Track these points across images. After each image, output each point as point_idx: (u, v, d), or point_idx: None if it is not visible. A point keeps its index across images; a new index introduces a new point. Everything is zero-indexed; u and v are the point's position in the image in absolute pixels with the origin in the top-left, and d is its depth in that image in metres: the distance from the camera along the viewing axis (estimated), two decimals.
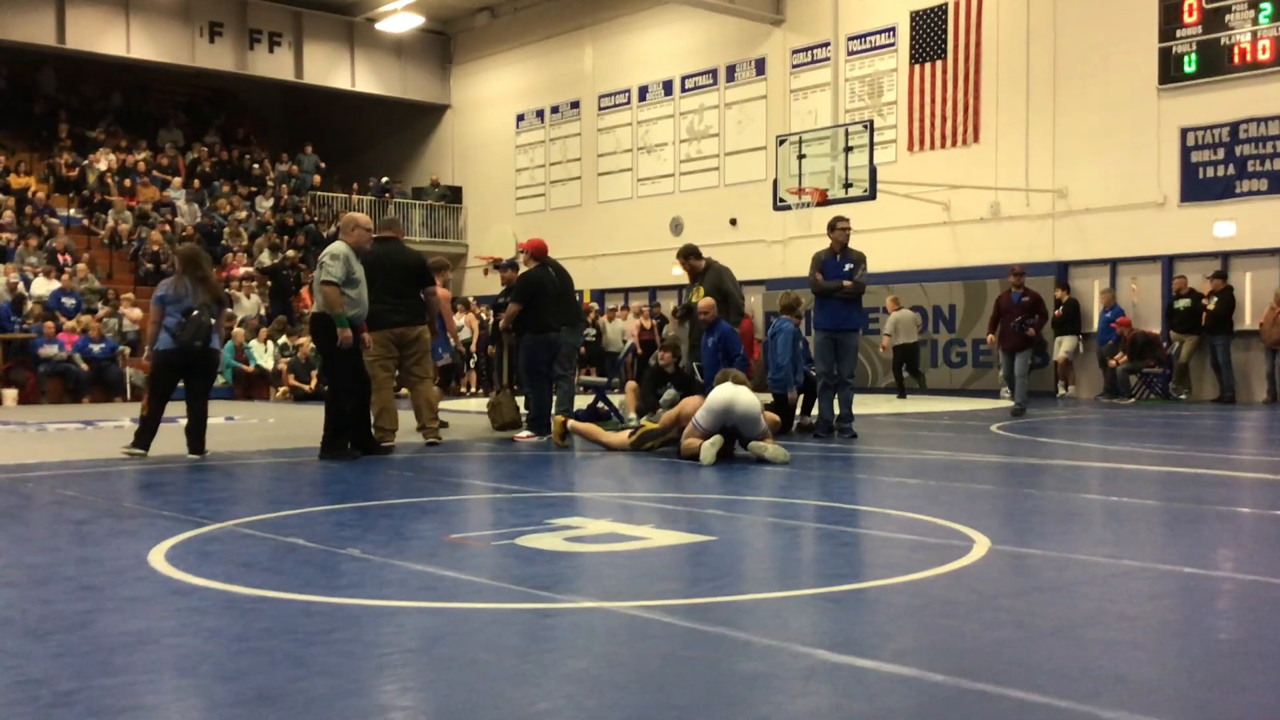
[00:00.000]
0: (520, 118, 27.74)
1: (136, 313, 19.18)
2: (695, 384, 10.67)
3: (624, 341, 21.73)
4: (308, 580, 4.22)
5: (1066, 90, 18.32)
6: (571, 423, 9.64)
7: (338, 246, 8.74)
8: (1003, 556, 4.61)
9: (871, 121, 17.94)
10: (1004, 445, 9.96)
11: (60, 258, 21.20)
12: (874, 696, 2.81)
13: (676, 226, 23.84)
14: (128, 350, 18.90)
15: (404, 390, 10.41)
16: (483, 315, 21.21)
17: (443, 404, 12.63)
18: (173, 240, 21.60)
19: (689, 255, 11.24)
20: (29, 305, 19.01)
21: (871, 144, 17.20)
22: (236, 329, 20.04)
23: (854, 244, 10.87)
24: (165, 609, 3.77)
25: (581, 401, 13.08)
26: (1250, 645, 3.33)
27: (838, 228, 10.82)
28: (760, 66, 22.72)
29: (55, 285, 19.93)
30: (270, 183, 27.48)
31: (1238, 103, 16.54)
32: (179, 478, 7.66)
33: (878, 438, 10.48)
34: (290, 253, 23.54)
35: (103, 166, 24.97)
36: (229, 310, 21.22)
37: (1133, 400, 16.67)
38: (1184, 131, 17.07)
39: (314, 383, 18.50)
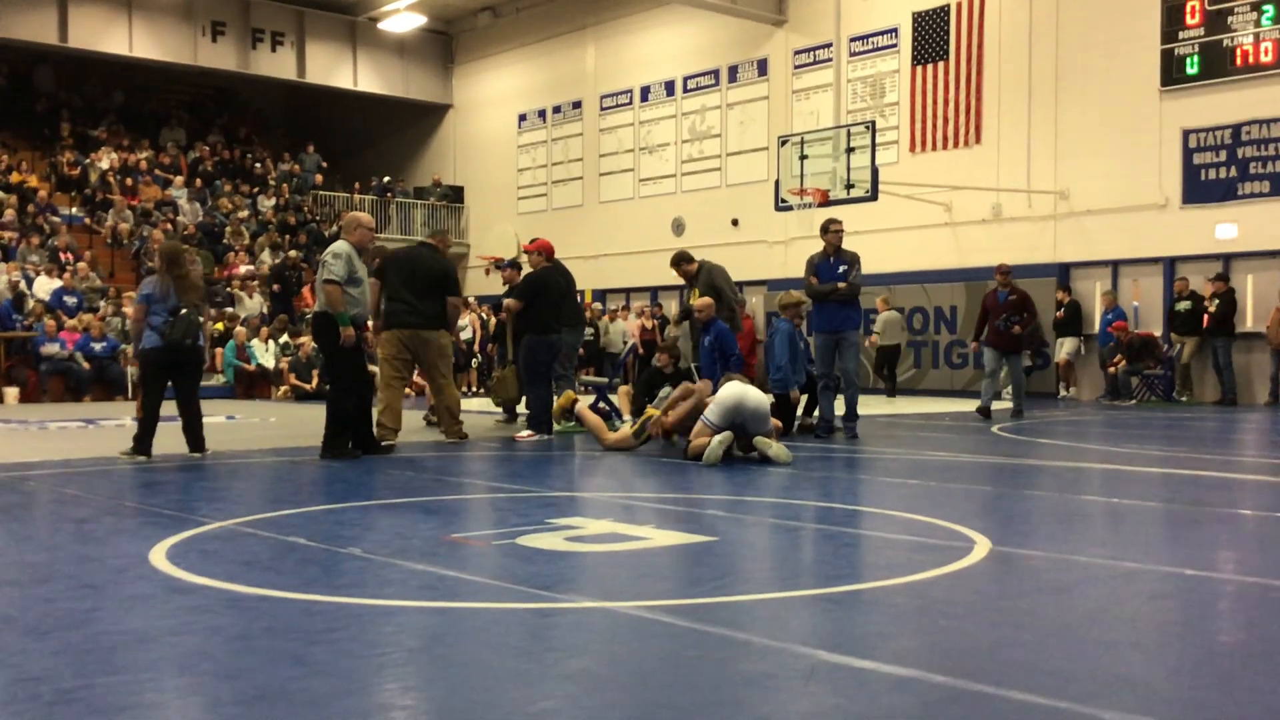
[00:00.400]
0: (522, 117, 27.75)
1: None
2: None
3: (624, 342, 21.72)
4: (309, 579, 4.22)
5: (1068, 92, 18.32)
6: (580, 406, 9.64)
7: (340, 245, 8.75)
8: (1003, 558, 4.61)
9: (873, 122, 17.94)
10: (1004, 446, 9.96)
11: (62, 256, 21.22)
12: (874, 697, 2.81)
13: (678, 227, 23.85)
14: (129, 349, 18.91)
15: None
16: (483, 315, 21.23)
17: None
18: (174, 239, 21.60)
19: (680, 262, 11.30)
20: (30, 304, 19.02)
21: (873, 145, 17.21)
22: (239, 328, 20.05)
23: (855, 245, 10.90)
24: (166, 607, 3.77)
25: (582, 402, 13.08)
26: (1251, 647, 3.33)
27: (830, 230, 10.86)
28: (762, 67, 22.72)
29: (57, 284, 19.94)
30: (272, 182, 27.49)
31: (1240, 105, 16.54)
32: (180, 476, 7.67)
33: (878, 438, 10.48)
34: (292, 253, 23.52)
35: (105, 165, 24.98)
36: (211, 310, 21.29)
37: (1134, 402, 16.66)
38: (1186, 133, 17.07)
39: (315, 382, 18.50)
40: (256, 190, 26.97)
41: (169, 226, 23.26)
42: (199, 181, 26.15)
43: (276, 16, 27.25)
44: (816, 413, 10.90)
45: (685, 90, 24.16)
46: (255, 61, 27.03)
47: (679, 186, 24.24)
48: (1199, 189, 16.98)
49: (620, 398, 11.87)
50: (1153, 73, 17.32)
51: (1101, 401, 17.11)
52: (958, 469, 8.31)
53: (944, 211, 19.63)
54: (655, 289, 24.09)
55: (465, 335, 20.28)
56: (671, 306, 22.40)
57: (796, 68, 22.12)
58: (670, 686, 2.89)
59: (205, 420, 9.03)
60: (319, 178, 28.53)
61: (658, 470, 8.02)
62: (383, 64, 28.65)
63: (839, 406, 10.79)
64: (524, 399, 10.98)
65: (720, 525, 5.56)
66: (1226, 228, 16.72)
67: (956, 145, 19.65)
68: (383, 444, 9.17)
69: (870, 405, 15.22)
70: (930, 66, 19.97)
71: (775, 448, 8.11)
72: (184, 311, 8.50)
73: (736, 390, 8.40)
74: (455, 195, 29.21)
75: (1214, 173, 16.85)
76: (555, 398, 11.10)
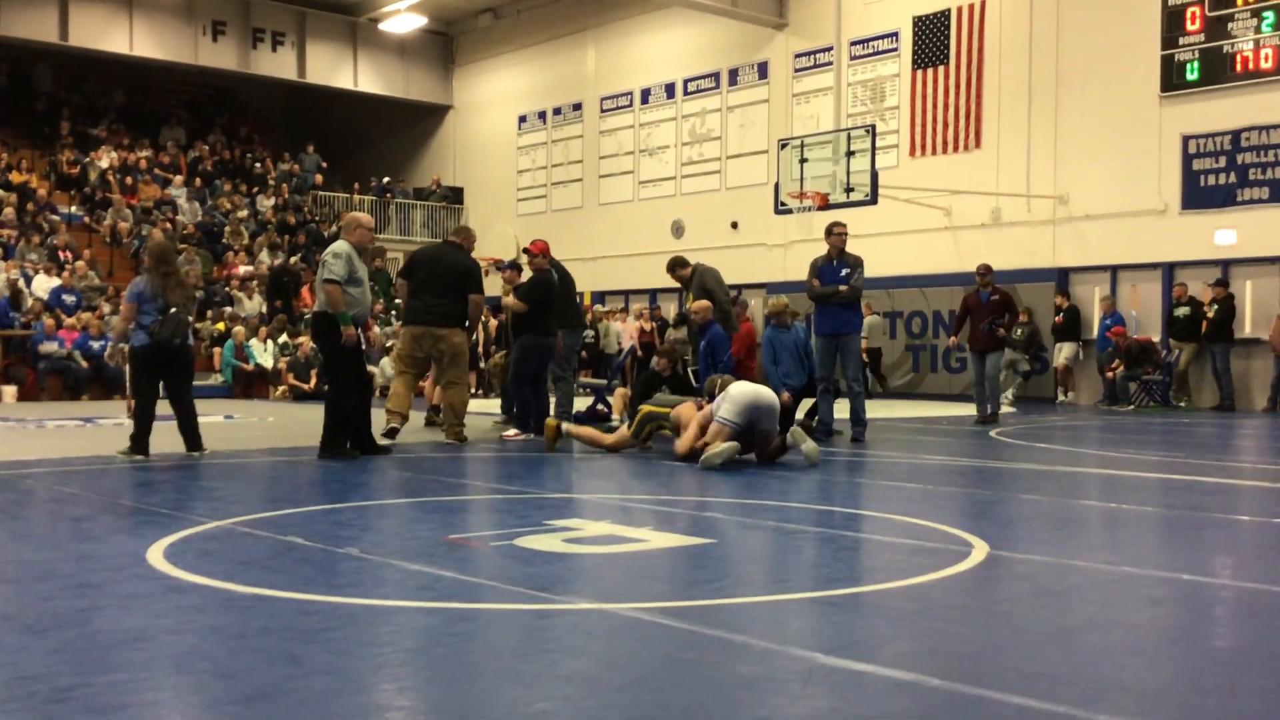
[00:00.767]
0: (522, 119, 27.75)
1: None
2: (691, 389, 10.66)
3: (618, 344, 21.71)
4: (306, 579, 4.22)
5: (1068, 97, 18.33)
6: (567, 426, 9.61)
7: (340, 245, 8.76)
8: (1001, 562, 4.61)
9: (873, 126, 17.95)
10: (1003, 450, 9.96)
11: (61, 255, 21.20)
12: (872, 700, 2.82)
13: (677, 229, 23.85)
14: (123, 347, 18.87)
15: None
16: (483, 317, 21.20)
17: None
18: (173, 238, 21.60)
19: (675, 267, 11.32)
20: (29, 302, 19.00)
21: (873, 148, 17.21)
22: (237, 328, 20.03)
23: (854, 248, 10.91)
24: (163, 606, 3.77)
25: (581, 404, 13.09)
26: (1248, 652, 3.33)
27: (834, 233, 10.88)
28: (763, 70, 22.73)
29: (55, 282, 19.92)
30: (272, 182, 27.49)
31: (1239, 111, 16.55)
32: (177, 475, 7.66)
33: (877, 442, 10.48)
34: (293, 260, 23.43)
35: (104, 164, 24.97)
36: (223, 308, 21.27)
37: (1132, 407, 16.67)
38: (1185, 139, 17.07)
39: (313, 382, 18.49)
40: (256, 190, 26.96)
41: (168, 225, 23.25)
42: (198, 181, 26.13)
43: (277, 16, 27.24)
44: (816, 417, 10.90)
45: (685, 93, 24.17)
46: (256, 61, 27.03)
47: (679, 189, 24.24)
48: (1198, 195, 16.99)
49: (616, 399, 11.88)
50: (1153, 78, 17.34)
51: (1100, 406, 17.11)
52: (955, 473, 8.31)
53: (943, 216, 19.64)
54: (654, 291, 24.08)
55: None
56: (670, 309, 22.40)
57: (797, 71, 22.13)
58: (667, 688, 2.89)
59: (202, 420, 9.02)
60: (319, 178, 28.52)
61: (656, 472, 8.02)
62: (383, 65, 28.65)
63: (842, 411, 10.79)
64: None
65: (718, 527, 5.56)
66: (1225, 234, 16.73)
67: (956, 149, 19.67)
68: (385, 433, 9.19)
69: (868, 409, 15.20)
70: (930, 71, 19.99)
71: (808, 444, 8.12)
72: (173, 310, 8.47)
73: (749, 387, 8.43)
74: (455, 196, 29.21)
75: (1213, 179, 16.85)
76: (557, 402, 11.14)
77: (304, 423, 11.66)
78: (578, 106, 26.33)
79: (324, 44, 27.87)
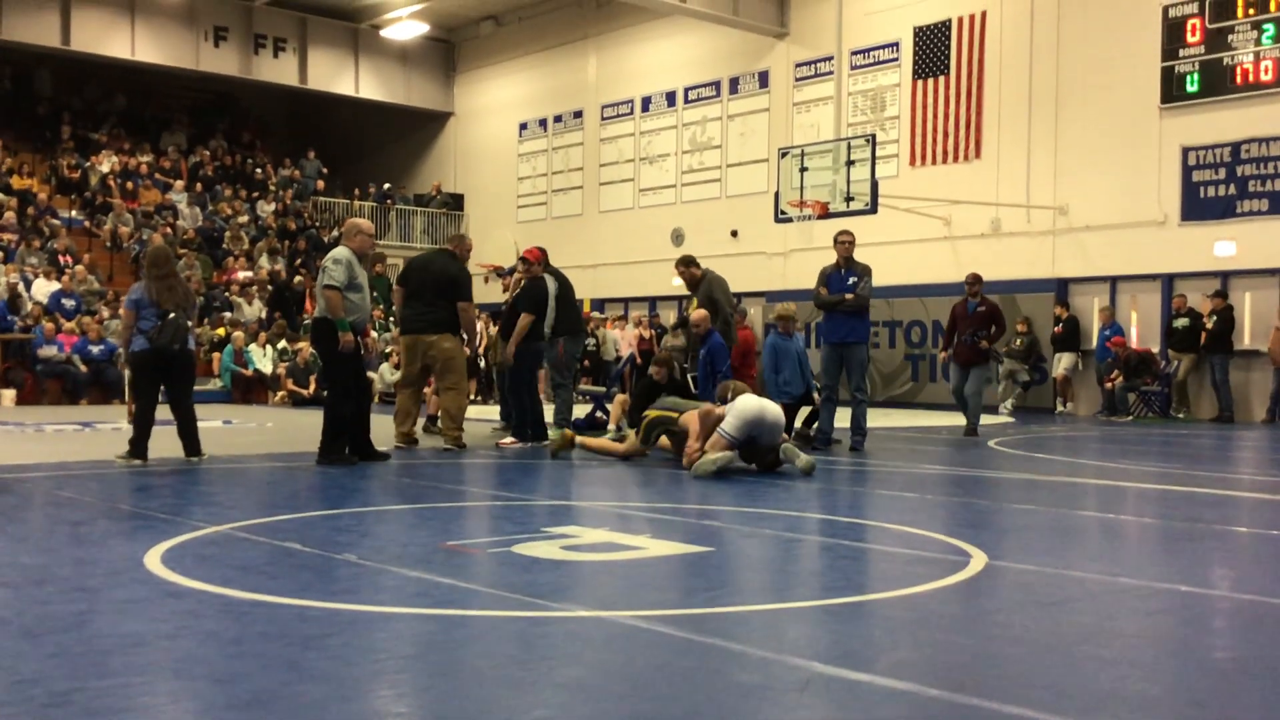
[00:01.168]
0: (523, 126, 27.78)
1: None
2: (691, 395, 10.66)
3: (615, 351, 21.69)
4: (304, 585, 4.22)
5: (1068, 107, 18.37)
6: (581, 439, 9.59)
7: (340, 251, 8.76)
8: (999, 572, 4.61)
9: (874, 135, 17.97)
10: (1001, 460, 9.96)
11: (61, 259, 21.21)
12: (869, 709, 2.81)
13: (677, 237, 23.86)
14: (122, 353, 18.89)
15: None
16: (482, 320, 21.17)
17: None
18: (173, 243, 21.61)
19: (688, 264, 11.26)
20: (29, 306, 19.01)
21: (873, 158, 17.23)
22: (236, 333, 20.03)
23: (858, 257, 10.92)
24: (161, 611, 3.77)
25: (579, 411, 13.09)
26: (1246, 664, 3.33)
27: (840, 241, 10.88)
28: (763, 79, 22.77)
29: (55, 286, 19.93)
30: (272, 187, 27.51)
31: (1239, 123, 16.57)
32: (176, 480, 7.66)
33: (875, 451, 10.48)
34: (296, 279, 23.32)
35: (105, 169, 24.99)
36: (223, 314, 21.27)
37: (1130, 418, 16.67)
38: (1185, 151, 17.10)
39: (312, 387, 18.49)
40: (257, 195, 26.99)
41: (168, 230, 23.26)
42: (199, 186, 26.16)
43: (279, 22, 27.28)
44: (816, 425, 10.90)
45: (686, 101, 24.21)
46: (257, 67, 27.06)
47: (679, 197, 24.27)
48: (1198, 206, 17.01)
49: (615, 407, 11.87)
50: (1153, 90, 17.37)
51: (1098, 417, 17.11)
52: (954, 482, 8.31)
53: (943, 225, 19.66)
54: (654, 299, 24.10)
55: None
56: (670, 316, 22.40)
57: (797, 80, 22.17)
58: (664, 697, 2.89)
59: (201, 425, 9.01)
60: (320, 184, 28.54)
61: (654, 480, 8.01)
62: (384, 71, 28.69)
63: (841, 419, 10.79)
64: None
65: (717, 536, 5.56)
66: (1225, 245, 16.75)
67: (956, 159, 19.69)
68: (379, 450, 9.17)
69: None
70: (931, 81, 20.02)
71: (802, 458, 8.10)
72: (171, 316, 8.45)
73: (756, 403, 8.32)
74: (455, 203, 29.23)
75: (1213, 190, 16.88)
76: (556, 410, 11.14)
77: (302, 428, 11.66)
78: (578, 114, 26.37)
79: (325, 50, 27.91)
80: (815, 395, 11.22)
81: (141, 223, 23.66)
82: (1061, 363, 18.01)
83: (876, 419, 15.68)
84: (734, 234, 22.78)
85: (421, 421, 10.86)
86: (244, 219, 25.62)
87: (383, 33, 27.49)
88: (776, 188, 18.75)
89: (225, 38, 26.49)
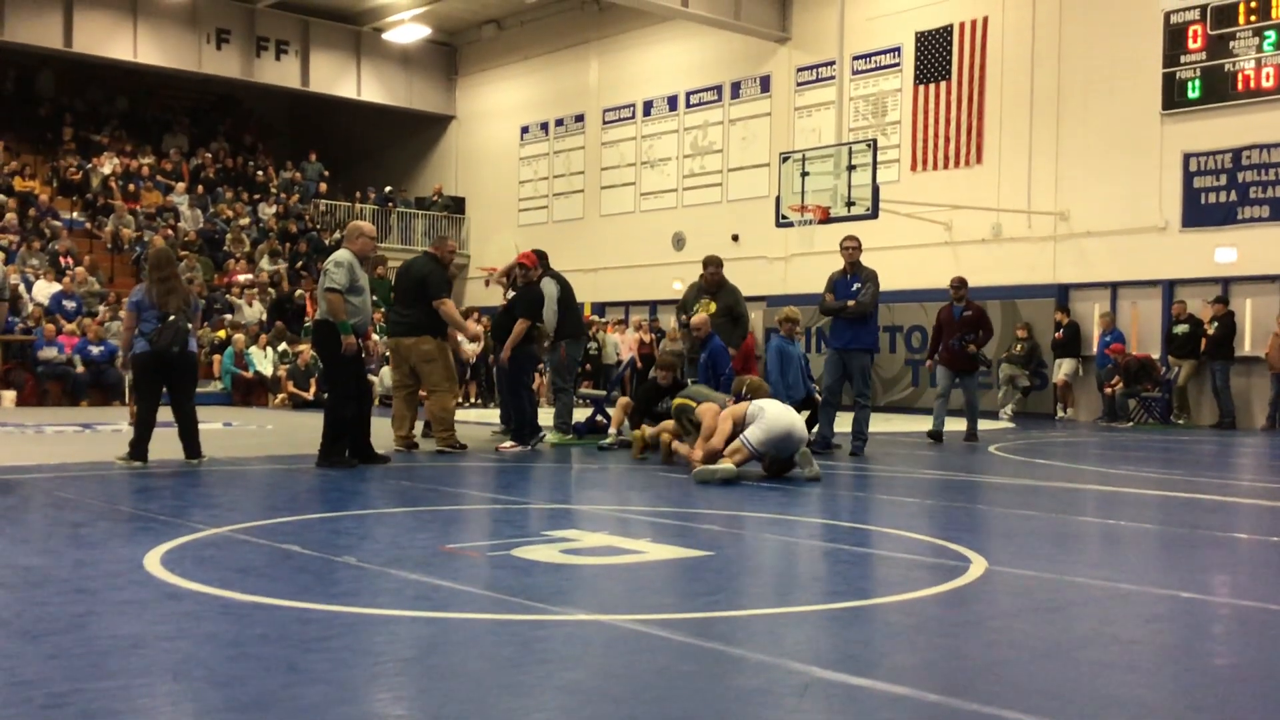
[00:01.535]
0: (524, 130, 27.80)
1: None
2: None
3: (616, 355, 21.67)
4: (303, 587, 4.21)
5: (1070, 113, 18.38)
6: (677, 444, 9.12)
7: (342, 254, 8.77)
8: (999, 577, 4.60)
9: (875, 140, 17.98)
10: (1001, 466, 9.96)
11: (62, 261, 21.22)
12: (869, 714, 2.81)
13: (678, 241, 23.87)
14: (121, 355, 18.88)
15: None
16: (483, 325, 21.13)
17: None
18: (174, 245, 21.61)
19: (720, 265, 11.26)
20: (30, 307, 19.01)
21: (875, 163, 17.24)
22: (237, 335, 20.03)
23: (862, 262, 10.98)
24: (160, 613, 3.77)
25: (579, 414, 13.08)
26: (1245, 670, 3.33)
27: (845, 247, 10.93)
28: (765, 84, 22.79)
29: (56, 288, 19.94)
30: (274, 190, 27.53)
31: (1241, 129, 16.58)
32: (176, 482, 7.66)
33: (876, 456, 10.48)
34: (299, 292, 23.23)
35: (107, 170, 25.00)
36: (223, 315, 21.26)
37: (1131, 424, 16.66)
38: (1186, 157, 17.11)
39: (313, 390, 18.49)
40: (258, 198, 27.00)
41: (170, 232, 23.27)
42: (200, 188, 26.18)
43: (281, 25, 27.31)
44: (816, 429, 10.91)
45: (688, 105, 24.22)
46: (259, 69, 27.09)
47: (680, 201, 24.27)
48: (1199, 212, 17.02)
49: (616, 410, 11.87)
50: (1154, 96, 17.38)
51: (1099, 423, 17.11)
52: (954, 488, 8.31)
53: (944, 231, 19.66)
54: (654, 303, 24.10)
55: (472, 347, 19.53)
56: (669, 321, 22.38)
57: (799, 85, 22.18)
58: (663, 701, 2.89)
59: (202, 427, 9.00)
60: (321, 186, 28.56)
61: (655, 484, 8.01)
62: (386, 74, 28.72)
63: (842, 425, 10.80)
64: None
65: (717, 540, 5.56)
66: (1226, 251, 16.75)
67: (957, 165, 19.70)
68: (378, 455, 9.17)
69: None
70: (932, 86, 20.04)
71: (812, 468, 8.07)
72: (172, 318, 8.44)
73: (786, 420, 8.16)
74: (456, 206, 29.25)
75: (1214, 196, 16.88)
76: (556, 413, 11.18)
77: (303, 431, 11.66)
78: (580, 118, 26.39)
79: (328, 53, 27.94)
80: (815, 398, 11.23)
81: (143, 225, 23.67)
82: (1062, 368, 18.01)
83: (876, 424, 15.68)
84: (735, 238, 22.78)
85: (420, 425, 10.84)
86: (245, 221, 25.64)
87: (385, 36, 27.53)
88: (778, 192, 18.76)
89: (227, 40, 26.53)
